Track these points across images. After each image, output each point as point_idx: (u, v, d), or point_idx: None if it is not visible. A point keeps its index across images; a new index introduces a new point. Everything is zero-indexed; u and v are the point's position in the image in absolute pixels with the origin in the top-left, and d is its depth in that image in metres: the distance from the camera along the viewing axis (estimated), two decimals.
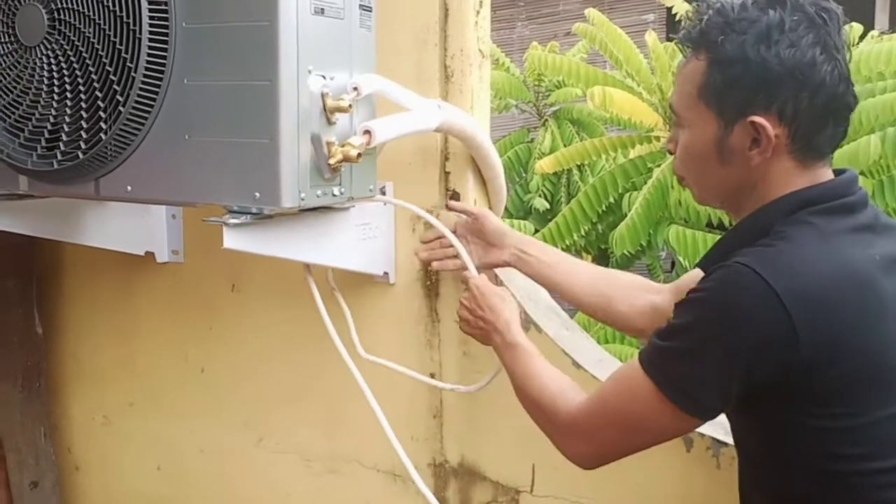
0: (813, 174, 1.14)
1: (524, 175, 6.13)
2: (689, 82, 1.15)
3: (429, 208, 1.76)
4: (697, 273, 1.52)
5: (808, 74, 1.08)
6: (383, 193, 1.74)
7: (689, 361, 1.09)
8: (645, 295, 1.54)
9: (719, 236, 3.99)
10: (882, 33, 4.63)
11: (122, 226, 1.97)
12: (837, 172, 1.17)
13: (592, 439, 1.20)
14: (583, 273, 1.61)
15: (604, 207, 4.52)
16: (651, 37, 4.66)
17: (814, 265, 1.06)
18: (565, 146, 5.46)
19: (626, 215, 4.28)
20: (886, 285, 1.08)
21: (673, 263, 4.77)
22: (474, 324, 1.49)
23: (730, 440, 1.49)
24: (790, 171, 1.13)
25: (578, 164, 5.18)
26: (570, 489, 1.66)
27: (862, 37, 4.17)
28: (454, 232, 1.67)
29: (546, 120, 6.27)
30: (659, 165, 4.28)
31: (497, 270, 1.70)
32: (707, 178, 1.20)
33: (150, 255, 2.01)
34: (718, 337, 1.07)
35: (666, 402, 1.10)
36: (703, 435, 1.54)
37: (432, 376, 1.80)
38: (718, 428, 1.56)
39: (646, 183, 4.27)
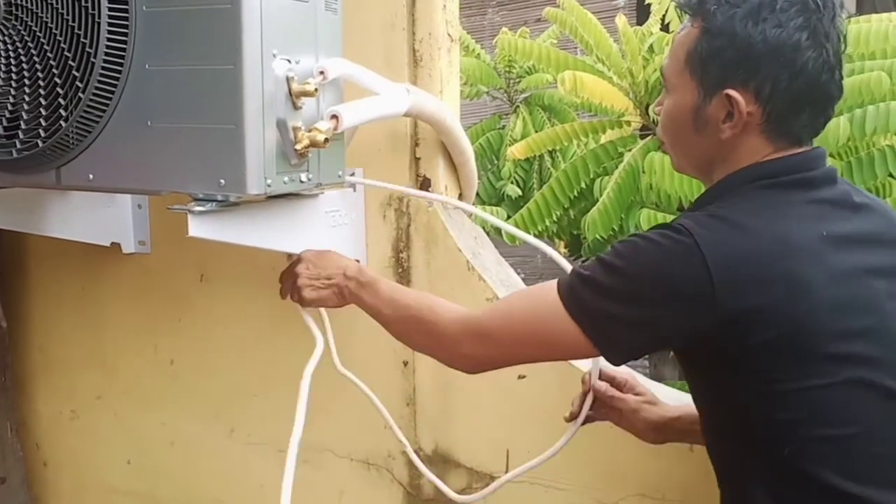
0: (781, 154, 1.14)
1: (496, 162, 6.11)
2: (681, 48, 1.17)
3: (399, 194, 1.75)
4: None
5: (790, 57, 1.09)
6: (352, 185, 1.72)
7: (606, 298, 1.11)
8: None
9: None
10: (849, 17, 4.66)
11: (86, 216, 1.94)
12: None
13: (489, 343, 1.22)
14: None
15: (575, 193, 4.51)
16: (621, 21, 4.66)
17: (747, 235, 1.07)
18: (537, 132, 5.44)
19: (597, 200, 4.28)
20: (831, 260, 1.07)
21: None
22: (320, 284, 1.45)
23: None
24: (758, 150, 1.14)
25: (550, 149, 5.17)
26: (544, 474, 1.65)
27: None
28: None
29: (517, 106, 6.25)
30: (630, 150, 4.28)
31: (462, 245, 1.68)
32: (682, 145, 1.21)
33: (115, 246, 1.98)
34: (639, 283, 1.09)
35: (575, 327, 1.12)
36: None
37: (405, 364, 1.79)
38: None
39: (617, 167, 4.27)
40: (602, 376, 1.46)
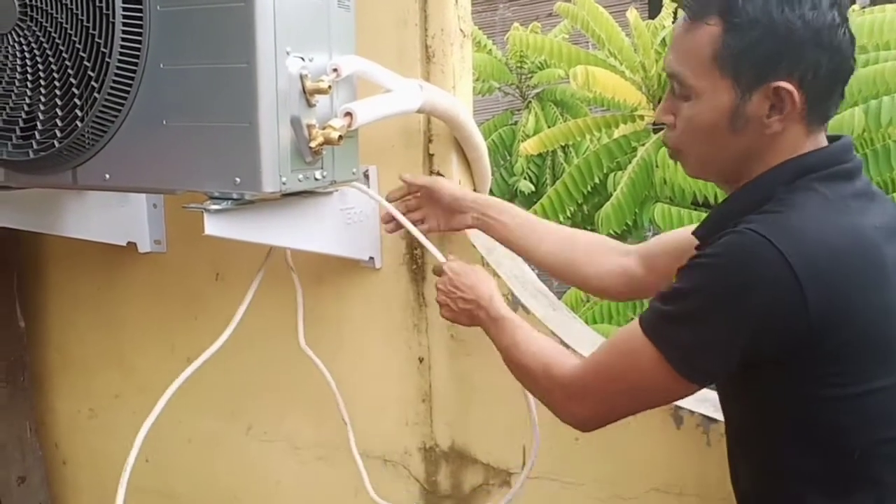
0: (814, 139, 1.12)
1: (508, 158, 6.11)
2: (700, 49, 1.10)
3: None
4: (670, 237, 1.53)
5: (828, 38, 1.06)
6: (366, 177, 1.73)
7: (694, 327, 1.06)
8: (612, 257, 1.53)
9: (705, 213, 3.97)
10: (864, 7, 4.63)
11: (102, 216, 1.95)
12: (831, 139, 1.15)
13: (592, 400, 1.18)
14: (547, 235, 1.58)
15: (589, 188, 4.51)
16: (633, 14, 4.65)
17: (822, 231, 1.03)
18: (549, 128, 5.44)
19: (611, 195, 4.28)
20: (888, 252, 1.06)
21: None
22: (455, 306, 1.45)
23: (719, 416, 1.49)
24: (799, 137, 1.10)
25: (563, 145, 5.16)
26: (560, 469, 1.65)
27: None
28: (413, 204, 1.65)
29: (529, 102, 6.25)
30: (643, 144, 4.28)
31: (478, 242, 1.69)
32: (713, 149, 1.14)
33: (132, 246, 1.99)
34: (726, 303, 1.04)
35: (666, 366, 1.08)
36: (692, 412, 1.54)
37: (421, 361, 1.79)
38: (708, 405, 1.56)
39: (630, 162, 4.26)
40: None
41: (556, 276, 1.61)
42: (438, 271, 1.51)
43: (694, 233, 1.21)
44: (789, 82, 1.06)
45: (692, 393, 1.14)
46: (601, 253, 1.54)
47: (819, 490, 1.09)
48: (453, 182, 1.67)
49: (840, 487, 1.08)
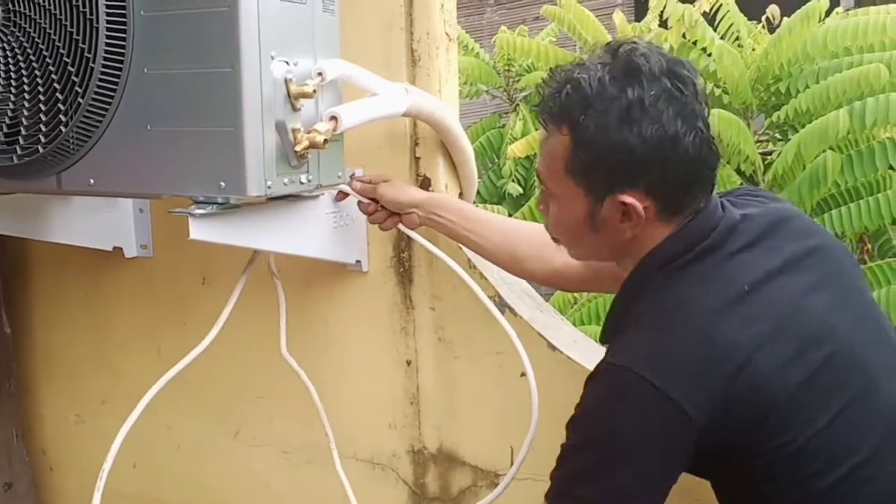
0: (677, 223, 1.15)
1: (497, 160, 6.11)
2: (555, 157, 1.15)
3: None
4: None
5: (672, 149, 1.08)
6: (353, 180, 1.73)
7: (599, 478, 1.08)
8: (556, 254, 1.51)
9: None
10: (847, 10, 4.66)
11: (88, 221, 1.94)
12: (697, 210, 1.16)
13: None
14: (493, 229, 1.57)
15: None
16: (619, 17, 4.67)
17: (685, 348, 1.06)
18: (537, 130, 5.45)
19: None
20: (782, 292, 1.09)
21: None
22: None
23: None
24: (662, 230, 1.15)
25: None
26: (549, 470, 1.65)
27: (828, 13, 4.20)
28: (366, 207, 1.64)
29: (517, 105, 6.25)
30: None
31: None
32: (581, 245, 1.23)
33: (118, 251, 1.98)
34: (620, 444, 1.07)
35: None
36: None
37: (409, 363, 1.79)
38: None
39: None
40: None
41: (507, 270, 1.61)
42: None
43: (600, 341, 1.25)
44: (633, 195, 1.10)
45: None
46: (544, 244, 1.52)
47: None
48: (399, 185, 1.64)
49: None
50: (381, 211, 1.61)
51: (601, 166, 1.10)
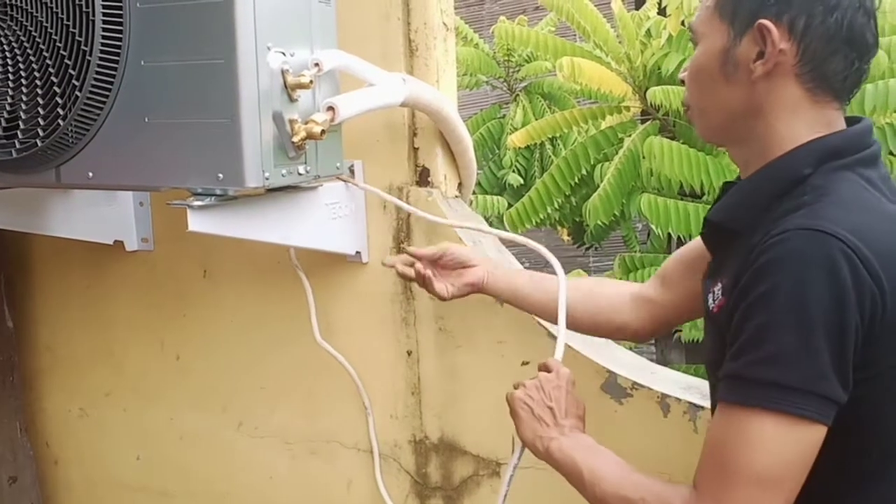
0: (825, 115, 1.08)
1: (497, 151, 6.11)
2: None
3: (399, 185, 1.75)
4: (682, 250, 1.45)
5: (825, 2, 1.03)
6: (352, 172, 1.73)
7: (800, 356, 0.94)
8: (629, 299, 1.46)
9: (692, 205, 3.95)
10: None
11: (89, 215, 1.95)
12: (850, 122, 1.11)
13: None
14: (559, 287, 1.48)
15: (576, 180, 4.52)
16: (617, 5, 4.65)
17: (871, 220, 0.99)
18: (537, 120, 5.44)
19: (598, 186, 4.28)
20: None
21: (649, 234, 4.78)
22: (531, 408, 1.25)
23: (706, 403, 1.51)
24: (797, 101, 1.07)
25: (550, 137, 5.17)
26: None
27: None
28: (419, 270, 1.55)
29: (517, 95, 6.25)
30: (630, 135, 4.28)
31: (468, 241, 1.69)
32: (710, 99, 1.13)
33: (119, 244, 1.99)
34: (824, 314, 0.93)
35: (796, 423, 0.95)
36: (679, 400, 1.55)
37: (409, 353, 1.79)
38: (694, 391, 1.57)
39: (617, 153, 4.27)
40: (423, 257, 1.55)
41: (582, 330, 1.52)
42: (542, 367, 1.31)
43: (707, 217, 1.16)
44: (775, 24, 1.04)
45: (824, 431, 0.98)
46: (619, 299, 1.47)
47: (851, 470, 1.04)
48: (463, 247, 1.59)
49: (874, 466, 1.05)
50: (443, 273, 1.56)
51: None
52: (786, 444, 0.96)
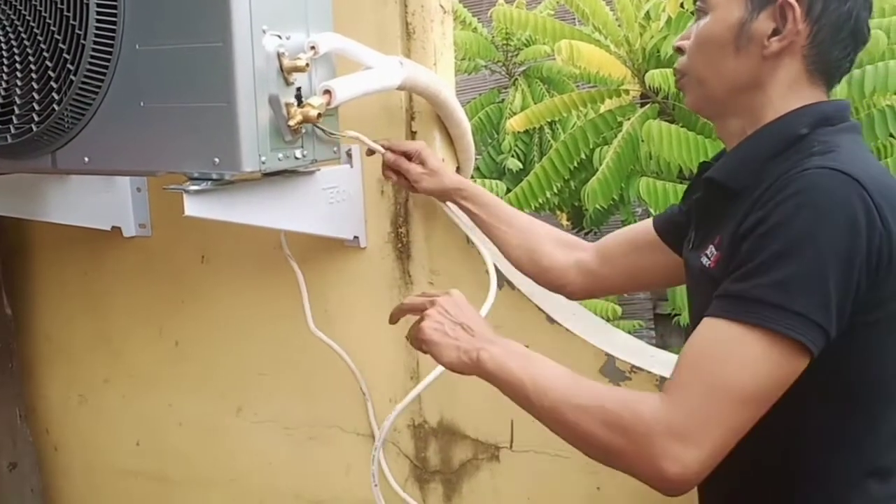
0: (816, 96, 1.11)
1: (496, 136, 6.10)
2: None
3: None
4: (626, 231, 1.52)
5: None
6: (349, 156, 1.72)
7: (809, 285, 0.94)
8: (570, 251, 1.53)
9: None
10: None
11: (86, 201, 1.95)
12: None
13: (709, 432, 0.95)
14: (516, 222, 1.57)
15: (575, 164, 4.52)
16: None
17: (881, 171, 1.03)
18: (535, 105, 5.43)
19: (597, 170, 4.28)
20: None
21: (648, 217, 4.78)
22: (449, 331, 1.16)
23: None
24: (796, 79, 1.10)
25: (549, 121, 5.16)
26: (548, 443, 1.66)
27: None
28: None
29: (516, 79, 6.23)
30: (629, 119, 4.27)
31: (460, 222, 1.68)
32: (715, 68, 1.14)
33: (116, 230, 1.99)
34: (837, 248, 0.94)
35: (790, 346, 0.94)
36: None
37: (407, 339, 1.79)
38: None
39: (616, 137, 4.26)
40: (395, 150, 1.59)
41: (516, 264, 1.58)
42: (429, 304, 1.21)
43: (709, 175, 1.16)
44: (798, 2, 1.07)
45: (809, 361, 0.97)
46: (558, 244, 1.54)
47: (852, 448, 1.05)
48: (434, 170, 1.61)
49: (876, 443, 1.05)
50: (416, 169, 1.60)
51: None
52: (772, 365, 0.95)
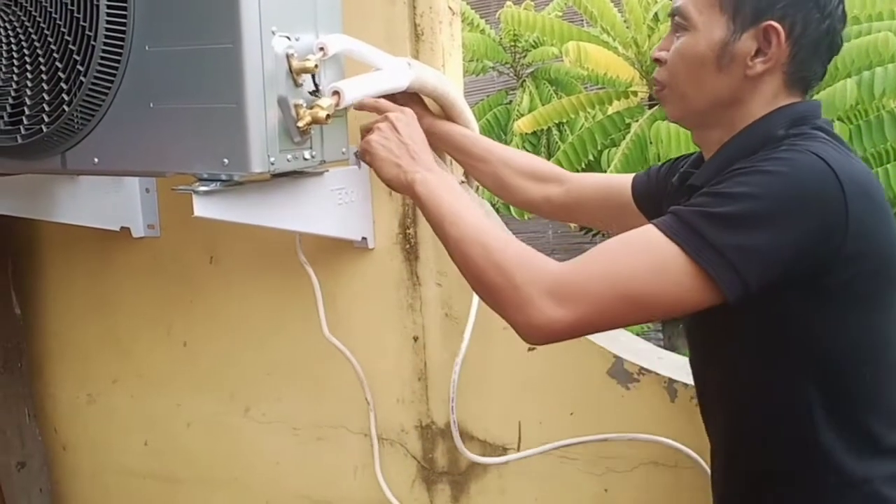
0: (793, 101, 1.15)
1: (504, 137, 6.10)
2: None
3: None
4: (604, 179, 1.59)
5: (825, 2, 1.10)
6: (357, 157, 1.72)
7: (747, 231, 0.99)
8: (541, 186, 1.57)
9: None
10: None
11: (95, 202, 1.95)
12: None
13: (582, 303, 1.01)
14: (490, 156, 1.60)
15: (584, 165, 4.52)
16: None
17: (850, 161, 1.06)
18: (543, 106, 5.43)
19: (605, 172, 4.27)
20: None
21: None
22: (390, 148, 1.28)
23: None
24: (777, 93, 1.14)
25: (557, 122, 5.16)
26: (555, 441, 1.66)
27: None
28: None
29: (524, 81, 6.23)
30: (637, 120, 4.27)
31: None
32: (697, 85, 1.16)
33: (125, 231, 1.99)
34: (786, 212, 0.99)
35: (699, 273, 0.99)
36: (686, 385, 1.55)
37: (416, 339, 1.79)
38: None
39: (624, 138, 4.26)
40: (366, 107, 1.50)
41: (483, 184, 1.66)
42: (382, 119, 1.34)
43: (691, 183, 1.18)
44: (781, 25, 1.09)
45: (708, 306, 1.02)
46: (529, 178, 1.58)
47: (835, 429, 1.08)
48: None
49: (856, 426, 1.08)
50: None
51: None
52: (671, 282, 1.00)
